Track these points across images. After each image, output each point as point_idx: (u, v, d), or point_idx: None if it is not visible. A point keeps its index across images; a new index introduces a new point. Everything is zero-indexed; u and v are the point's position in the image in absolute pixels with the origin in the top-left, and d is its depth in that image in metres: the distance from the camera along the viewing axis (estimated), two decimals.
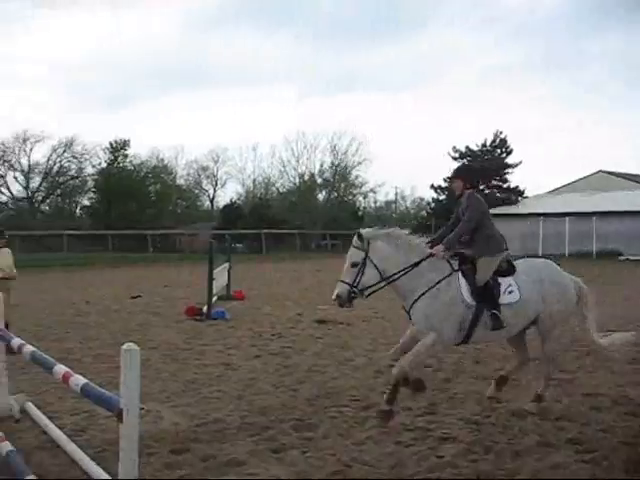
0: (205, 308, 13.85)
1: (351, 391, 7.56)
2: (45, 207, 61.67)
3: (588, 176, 50.34)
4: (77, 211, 63.13)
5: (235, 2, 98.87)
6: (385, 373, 8.31)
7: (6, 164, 58.22)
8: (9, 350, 6.67)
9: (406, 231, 6.87)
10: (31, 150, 58.85)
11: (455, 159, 56.37)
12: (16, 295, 10.52)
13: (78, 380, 4.39)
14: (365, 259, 6.44)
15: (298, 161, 62.02)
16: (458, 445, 5.76)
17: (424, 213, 62.98)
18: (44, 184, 60.02)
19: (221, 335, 11.62)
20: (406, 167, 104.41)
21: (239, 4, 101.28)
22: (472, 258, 6.66)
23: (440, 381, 7.85)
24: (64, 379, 4.61)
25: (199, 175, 68.78)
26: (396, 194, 73.18)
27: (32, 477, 4.76)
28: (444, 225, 7.24)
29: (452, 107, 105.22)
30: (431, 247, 6.67)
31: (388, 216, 69.67)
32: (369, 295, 6.56)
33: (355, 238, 6.53)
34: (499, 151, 56.99)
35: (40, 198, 60.68)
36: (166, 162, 65.88)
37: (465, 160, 53.41)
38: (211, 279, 14.33)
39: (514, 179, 55.40)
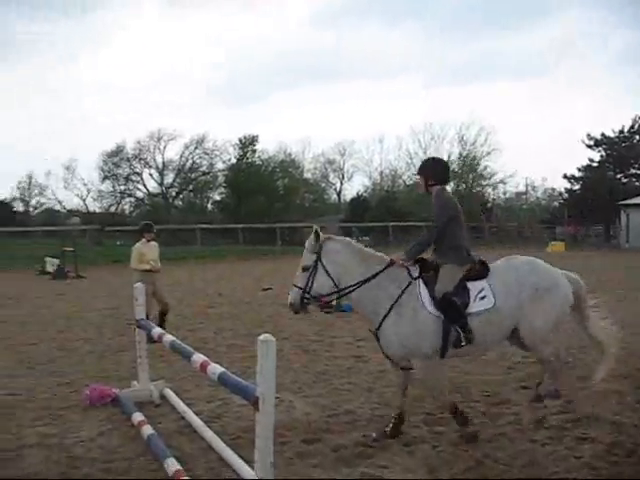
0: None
1: (482, 386, 7.39)
2: (178, 202, 64.18)
3: None
4: (208, 206, 65.30)
5: None
6: (516, 369, 8.10)
7: (142, 162, 61.42)
8: (149, 339, 7.01)
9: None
10: (165, 148, 61.85)
11: (590, 147, 54.23)
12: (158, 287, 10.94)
13: (215, 369, 4.54)
14: (316, 263, 5.68)
15: (425, 152, 61.22)
16: (597, 446, 5.48)
17: (556, 204, 60.87)
18: (177, 180, 62.67)
19: (350, 327, 11.67)
20: (537, 157, 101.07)
21: None
22: (435, 265, 5.76)
23: (577, 379, 7.54)
24: (202, 367, 4.78)
25: (326, 168, 69.62)
26: (526, 185, 70.82)
27: (172, 459, 4.96)
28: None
29: (586, 93, 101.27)
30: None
31: (518, 207, 67.83)
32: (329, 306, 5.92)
33: (311, 237, 5.73)
34: (638, 137, 54.22)
35: (174, 194, 63.30)
36: (293, 156, 67.13)
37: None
38: None
39: None
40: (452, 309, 5.51)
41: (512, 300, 5.65)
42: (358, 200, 58.87)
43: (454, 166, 61.24)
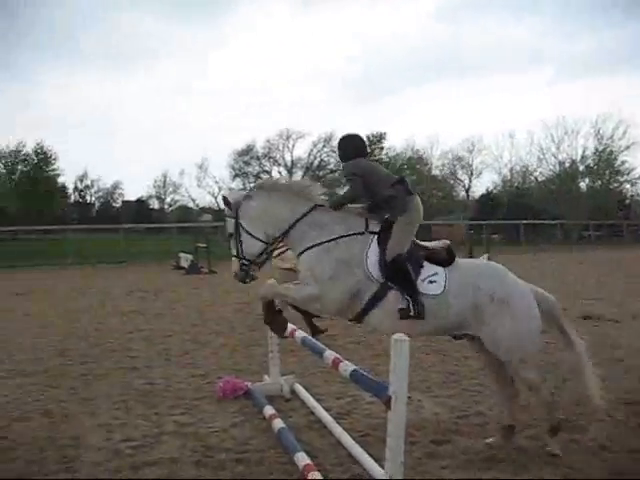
0: None
1: (622, 394, 7.01)
2: None
3: None
4: None
5: None
6: None
7: (271, 160, 62.93)
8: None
9: (287, 177, 5.69)
10: (293, 146, 63.01)
11: None
12: None
13: (347, 366, 4.56)
14: (237, 227, 5.50)
15: (558, 147, 59.30)
16: None
17: None
18: (305, 178, 63.59)
19: None
20: None
21: None
22: (390, 223, 5.34)
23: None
24: (334, 364, 4.81)
25: (454, 165, 68.58)
26: None
27: (302, 453, 5.02)
28: None
29: None
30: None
31: None
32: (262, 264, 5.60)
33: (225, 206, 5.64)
34: None
35: None
36: (421, 153, 66.59)
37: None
38: None
39: None
40: (403, 275, 5.13)
41: (464, 299, 5.19)
42: (487, 197, 57.71)
43: (589, 161, 58.92)
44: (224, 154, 74.57)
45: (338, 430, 5.70)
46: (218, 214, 57.53)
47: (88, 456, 5.42)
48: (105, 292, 18.03)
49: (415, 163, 64.87)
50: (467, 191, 69.74)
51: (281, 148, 63.03)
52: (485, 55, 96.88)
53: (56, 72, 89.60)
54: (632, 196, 62.42)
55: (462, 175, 69.50)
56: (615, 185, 60.48)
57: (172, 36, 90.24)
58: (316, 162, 62.89)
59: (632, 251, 36.14)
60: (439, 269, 5.26)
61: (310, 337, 6.02)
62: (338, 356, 4.87)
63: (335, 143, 59.95)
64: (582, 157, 59.77)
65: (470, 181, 69.14)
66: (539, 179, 62.30)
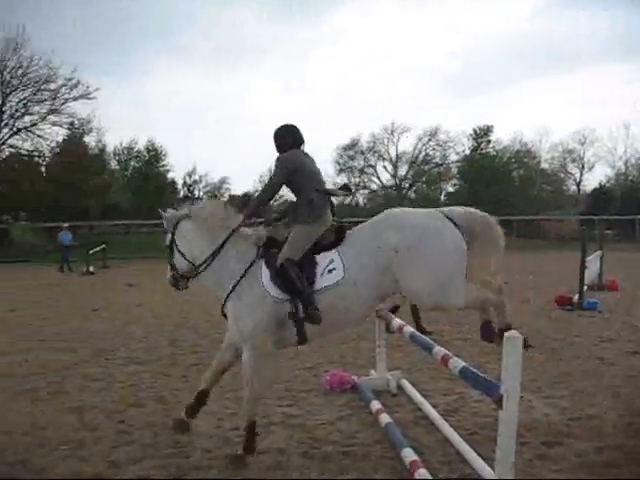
0: (576, 297, 13.28)
1: None
2: (411, 194, 64.67)
3: None
4: (442, 197, 65.15)
5: None
6: None
7: (376, 154, 62.68)
8: (387, 329, 7.14)
9: (221, 204, 5.65)
10: (398, 140, 62.53)
11: None
12: None
13: (457, 362, 4.51)
14: (172, 242, 5.62)
15: None
16: None
17: None
18: (410, 172, 63.17)
19: (593, 327, 11.03)
20: None
21: None
22: (283, 241, 5.27)
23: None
24: (443, 360, 4.77)
25: (564, 158, 66.29)
26: None
27: (409, 449, 5.00)
28: None
29: None
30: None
31: None
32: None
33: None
34: None
35: (407, 185, 63.94)
36: (529, 146, 64.79)
37: None
38: (583, 267, 13.61)
39: None
40: (286, 281, 5.04)
41: (368, 268, 4.97)
42: (600, 191, 55.50)
43: None
44: (329, 149, 74.79)
45: (446, 427, 5.66)
46: None
47: (200, 443, 5.61)
48: None
49: (523, 156, 63.07)
50: (578, 185, 67.21)
51: (386, 142, 62.71)
52: (595, 45, 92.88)
53: (162, 72, 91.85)
54: None
55: (573, 168, 67.07)
56: None
57: (275, 34, 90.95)
58: (421, 156, 62.23)
59: None
60: (333, 254, 5.12)
61: (418, 333, 5.99)
62: (447, 352, 4.82)
63: (441, 137, 59.64)
64: None
65: (581, 175, 66.62)
66: None
